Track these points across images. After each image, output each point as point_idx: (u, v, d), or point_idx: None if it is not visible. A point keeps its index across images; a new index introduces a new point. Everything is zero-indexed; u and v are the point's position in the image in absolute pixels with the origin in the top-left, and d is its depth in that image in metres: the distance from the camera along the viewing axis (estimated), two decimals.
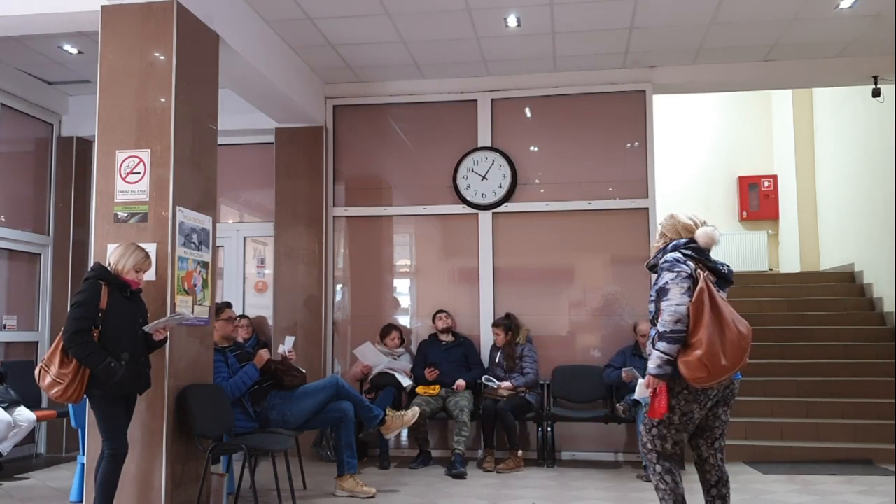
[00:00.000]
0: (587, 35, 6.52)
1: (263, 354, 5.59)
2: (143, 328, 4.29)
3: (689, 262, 3.51)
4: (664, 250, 3.62)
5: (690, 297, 3.40)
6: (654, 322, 3.59)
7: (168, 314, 4.65)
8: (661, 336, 3.42)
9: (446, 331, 7.03)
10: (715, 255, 3.67)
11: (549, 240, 7.30)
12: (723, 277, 3.60)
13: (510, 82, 7.41)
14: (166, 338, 4.45)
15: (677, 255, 3.54)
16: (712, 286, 3.45)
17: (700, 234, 3.57)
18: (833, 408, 7.31)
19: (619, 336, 7.10)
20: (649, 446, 3.67)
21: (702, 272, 3.48)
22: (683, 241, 3.60)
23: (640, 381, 3.58)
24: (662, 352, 3.41)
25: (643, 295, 7.09)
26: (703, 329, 3.34)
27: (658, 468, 3.64)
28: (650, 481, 5.93)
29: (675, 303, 3.40)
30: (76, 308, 4.12)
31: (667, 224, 3.72)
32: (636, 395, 3.70)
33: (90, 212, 7.57)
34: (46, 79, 7.36)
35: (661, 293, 3.48)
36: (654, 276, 3.67)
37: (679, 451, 3.68)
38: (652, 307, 3.62)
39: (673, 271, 3.47)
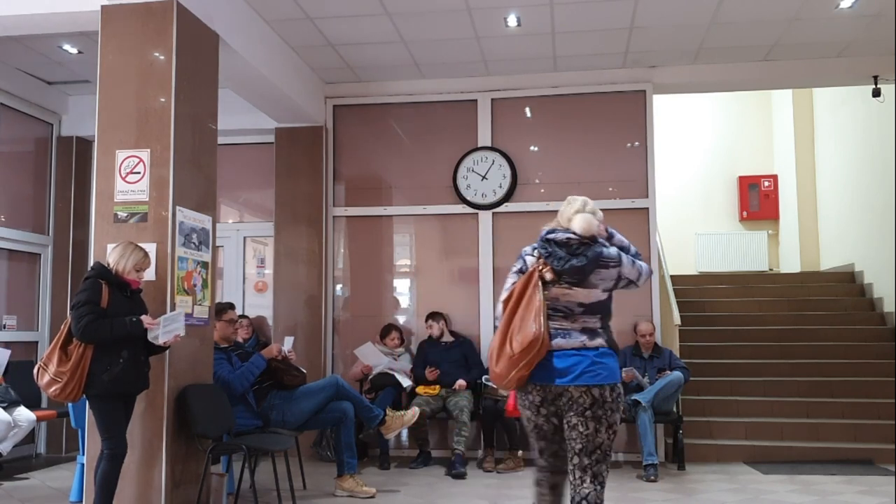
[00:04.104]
0: (587, 35, 6.52)
1: (273, 348, 5.61)
2: (156, 336, 4.25)
3: (530, 256, 3.43)
4: None
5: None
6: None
7: (168, 312, 4.64)
8: None
9: (440, 336, 7.03)
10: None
11: None
12: (566, 273, 3.31)
13: (510, 82, 7.41)
14: (169, 346, 4.43)
15: (527, 248, 3.48)
16: (536, 285, 3.26)
17: (578, 221, 3.44)
18: (833, 408, 7.30)
19: (619, 336, 7.08)
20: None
21: (538, 269, 3.32)
22: (545, 230, 3.48)
23: None
24: None
25: (643, 295, 7.09)
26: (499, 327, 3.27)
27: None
28: (650, 481, 5.99)
29: (501, 299, 3.36)
30: (80, 307, 4.11)
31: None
32: None
33: (90, 212, 7.57)
34: (46, 79, 7.36)
35: None
36: None
37: (551, 462, 3.41)
38: None
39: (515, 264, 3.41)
